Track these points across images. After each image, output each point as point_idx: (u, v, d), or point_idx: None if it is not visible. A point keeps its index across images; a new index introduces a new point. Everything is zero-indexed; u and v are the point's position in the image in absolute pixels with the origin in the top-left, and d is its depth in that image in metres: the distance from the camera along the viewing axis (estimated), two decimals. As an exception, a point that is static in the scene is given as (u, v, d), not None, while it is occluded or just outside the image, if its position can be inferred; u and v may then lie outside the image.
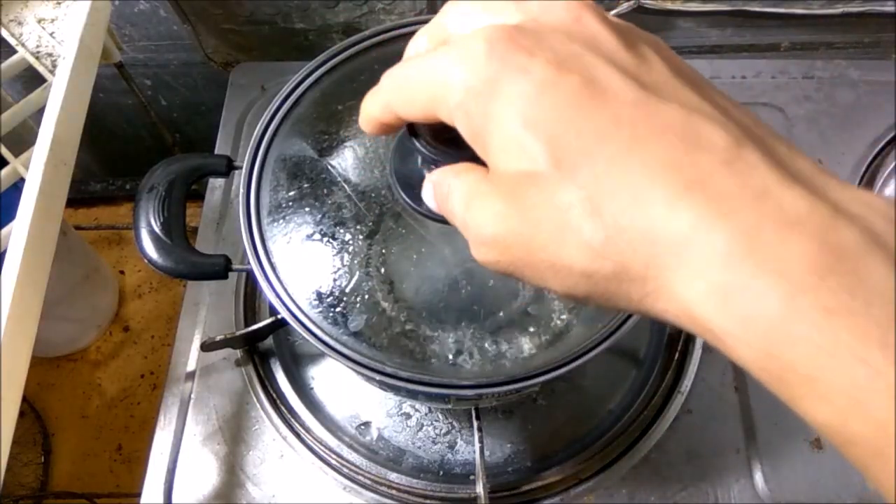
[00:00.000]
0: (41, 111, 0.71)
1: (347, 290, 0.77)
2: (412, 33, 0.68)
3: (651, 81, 0.26)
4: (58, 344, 1.26)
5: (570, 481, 0.71)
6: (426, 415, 0.75)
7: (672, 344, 0.77)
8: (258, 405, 0.75)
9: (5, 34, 0.80)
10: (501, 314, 0.75)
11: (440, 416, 0.74)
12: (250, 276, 0.80)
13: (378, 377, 0.54)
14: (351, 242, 0.79)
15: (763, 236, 0.22)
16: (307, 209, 0.77)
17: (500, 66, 0.26)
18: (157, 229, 0.59)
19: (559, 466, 0.71)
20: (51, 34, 0.80)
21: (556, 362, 0.54)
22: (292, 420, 0.74)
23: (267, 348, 0.78)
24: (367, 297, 0.76)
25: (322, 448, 0.72)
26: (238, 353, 0.77)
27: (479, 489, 0.65)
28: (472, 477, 0.70)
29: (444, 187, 0.32)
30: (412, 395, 0.68)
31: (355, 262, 0.78)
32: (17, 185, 0.70)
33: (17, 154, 0.74)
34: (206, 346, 0.73)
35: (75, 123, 0.72)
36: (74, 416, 1.21)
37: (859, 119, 0.91)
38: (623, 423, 0.73)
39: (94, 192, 1.42)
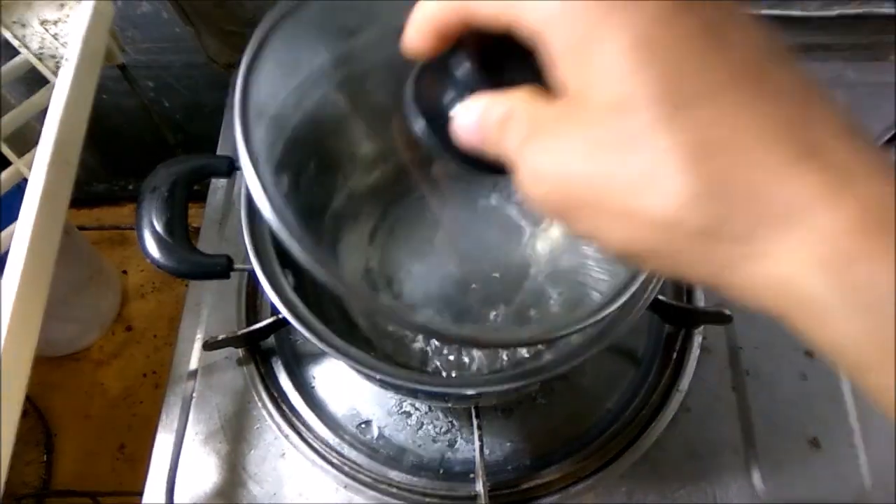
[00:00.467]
0: (44, 112, 0.71)
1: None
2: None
3: (765, 46, 0.25)
4: (61, 343, 1.26)
5: (569, 479, 0.71)
6: (426, 413, 0.75)
7: (670, 343, 0.77)
8: (260, 404, 0.75)
9: (8, 36, 0.81)
10: (502, 312, 0.75)
11: (440, 414, 0.75)
12: (252, 276, 0.81)
13: (378, 376, 0.54)
14: (351, 238, 0.80)
15: (882, 211, 0.22)
16: (308, 207, 0.78)
17: None
18: (159, 229, 0.59)
19: (558, 465, 0.71)
20: (54, 36, 0.80)
21: (555, 362, 0.55)
22: (293, 419, 0.74)
23: (268, 347, 0.78)
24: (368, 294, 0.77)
25: (323, 447, 0.73)
26: (240, 352, 0.77)
27: (479, 487, 0.65)
28: (472, 475, 0.70)
29: (495, 113, 0.28)
30: (412, 394, 0.69)
31: (356, 257, 0.79)
32: (20, 186, 0.70)
33: (20, 155, 0.74)
34: (208, 346, 0.74)
35: (78, 124, 0.72)
36: (77, 416, 1.22)
37: (857, 121, 0.91)
38: (622, 421, 0.73)
39: (97, 192, 1.43)
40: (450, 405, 0.74)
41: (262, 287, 0.57)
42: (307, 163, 0.72)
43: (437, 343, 0.74)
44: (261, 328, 0.74)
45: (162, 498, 0.71)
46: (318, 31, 0.56)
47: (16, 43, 0.80)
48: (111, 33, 0.85)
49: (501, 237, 0.79)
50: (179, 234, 0.59)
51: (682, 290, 0.80)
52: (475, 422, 0.68)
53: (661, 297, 0.72)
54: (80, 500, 1.14)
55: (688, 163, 0.22)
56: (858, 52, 1.02)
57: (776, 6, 0.94)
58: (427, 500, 0.71)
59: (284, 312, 0.56)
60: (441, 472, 0.72)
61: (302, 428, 0.74)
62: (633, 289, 0.59)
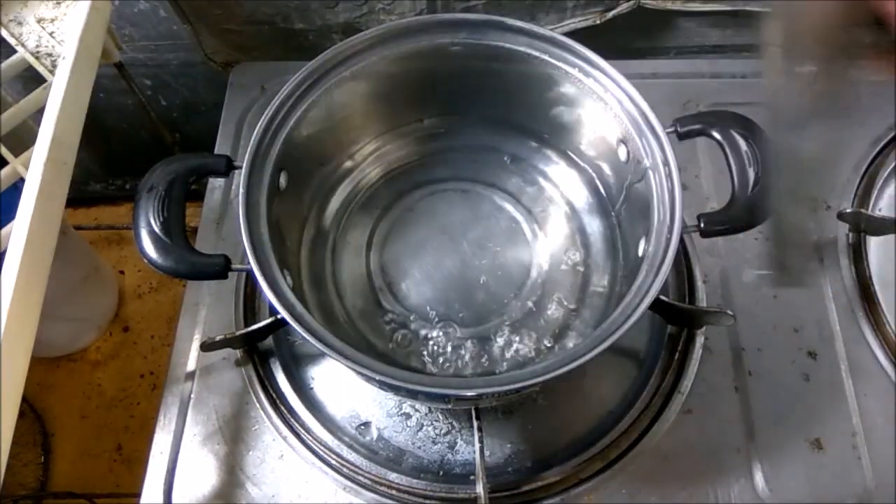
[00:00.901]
0: (41, 111, 0.71)
1: (347, 288, 0.77)
2: (411, 34, 0.68)
3: None
4: (58, 344, 1.26)
5: (570, 481, 0.71)
6: (426, 415, 0.74)
7: (672, 344, 0.77)
8: (258, 405, 0.75)
9: (5, 34, 0.80)
10: (503, 314, 0.75)
11: (440, 416, 0.74)
12: (250, 276, 0.80)
13: (378, 377, 0.54)
14: (350, 242, 0.79)
15: None
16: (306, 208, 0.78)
17: None
18: (156, 229, 0.58)
19: (559, 466, 0.71)
20: (50, 34, 0.80)
21: (556, 363, 0.54)
22: (292, 420, 0.74)
23: (267, 348, 0.78)
24: (367, 295, 0.77)
25: (322, 448, 0.72)
26: (238, 353, 0.77)
27: (479, 489, 0.65)
28: (472, 477, 0.70)
29: None
30: (412, 395, 0.68)
31: (355, 261, 0.78)
32: (17, 185, 0.70)
33: (16, 154, 0.74)
34: (206, 346, 0.73)
35: (75, 123, 0.72)
36: (74, 417, 1.21)
37: (859, 119, 0.91)
38: (623, 423, 0.73)
39: (94, 192, 1.43)
40: (450, 406, 0.73)
41: (260, 287, 0.57)
42: (304, 160, 0.72)
43: (437, 344, 0.74)
44: (259, 329, 0.74)
45: (160, 499, 0.71)
46: None
47: (12, 41, 0.80)
48: (108, 31, 0.84)
49: (502, 239, 0.78)
50: (177, 233, 0.59)
51: (685, 290, 0.80)
52: (475, 423, 0.68)
53: (663, 297, 0.72)
54: (78, 502, 1.14)
55: None
56: (860, 49, 1.02)
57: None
58: (427, 502, 0.70)
59: (283, 313, 0.56)
60: (441, 473, 0.72)
61: (300, 429, 0.73)
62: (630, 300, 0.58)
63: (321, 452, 0.72)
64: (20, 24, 0.81)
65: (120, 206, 1.43)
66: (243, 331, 0.74)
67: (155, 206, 0.59)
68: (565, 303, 0.75)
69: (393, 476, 0.71)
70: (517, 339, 0.74)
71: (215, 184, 0.87)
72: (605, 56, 0.66)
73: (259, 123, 0.64)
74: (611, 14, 0.95)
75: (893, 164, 0.87)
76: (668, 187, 0.61)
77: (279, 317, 0.56)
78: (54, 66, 0.77)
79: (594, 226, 0.79)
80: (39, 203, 0.65)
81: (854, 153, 0.89)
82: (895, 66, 0.40)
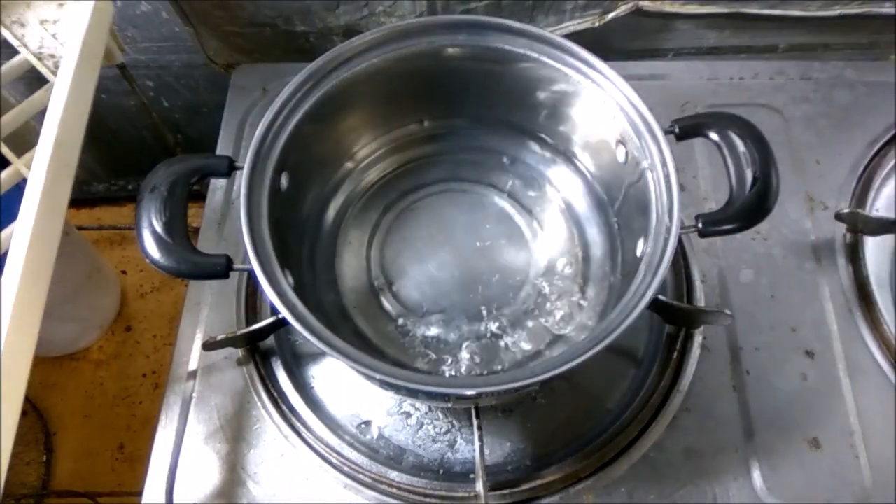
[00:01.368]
0: (43, 112, 0.71)
1: (348, 288, 0.77)
2: (411, 36, 0.68)
3: None
4: (60, 343, 1.26)
5: (569, 480, 0.71)
6: (426, 413, 0.75)
7: (671, 344, 0.77)
8: (259, 404, 0.75)
9: (8, 35, 0.81)
10: (503, 313, 0.75)
11: (440, 414, 0.75)
12: (251, 276, 0.80)
13: (378, 376, 0.54)
14: (351, 242, 0.80)
15: None
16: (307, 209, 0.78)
17: None
18: (158, 229, 0.59)
19: (558, 465, 0.71)
20: (53, 35, 0.80)
21: (555, 362, 0.54)
22: (293, 419, 0.74)
23: (268, 348, 0.78)
24: (368, 295, 0.77)
25: (323, 447, 0.73)
26: (239, 352, 0.77)
27: (479, 487, 0.65)
28: (471, 475, 0.70)
29: None
30: (412, 394, 0.69)
31: (356, 261, 0.79)
32: (20, 186, 0.70)
33: (19, 155, 0.74)
34: (208, 346, 0.74)
35: (78, 124, 0.72)
36: (76, 416, 1.22)
37: (857, 120, 0.91)
38: (622, 421, 0.73)
39: (97, 192, 1.43)
40: (450, 405, 0.74)
41: (261, 287, 0.57)
42: (304, 161, 0.72)
43: (436, 343, 0.74)
44: (260, 328, 0.74)
45: (161, 498, 0.71)
46: None
47: (15, 43, 0.80)
48: (111, 33, 0.85)
49: (502, 239, 0.79)
50: (179, 234, 0.59)
51: (683, 290, 0.80)
52: (475, 422, 0.68)
53: (661, 297, 0.72)
54: (80, 501, 1.14)
55: None
56: (858, 51, 1.03)
57: (777, 6, 0.94)
58: (427, 500, 0.71)
59: (284, 312, 0.56)
60: (441, 472, 0.72)
61: (301, 428, 0.74)
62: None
63: (322, 451, 0.73)
64: (23, 25, 0.81)
65: (122, 207, 1.43)
66: (245, 330, 0.74)
67: (157, 207, 0.59)
68: (564, 302, 0.76)
69: (393, 474, 0.71)
70: (516, 338, 0.74)
71: (217, 184, 0.88)
72: (604, 58, 0.66)
73: (260, 124, 0.64)
74: (609, 16, 0.95)
75: (891, 165, 0.87)
76: (667, 188, 0.61)
77: (280, 316, 0.57)
78: (57, 68, 0.78)
79: (593, 226, 0.79)
80: (42, 204, 0.65)
81: (851, 154, 0.89)
82: None
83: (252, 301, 0.81)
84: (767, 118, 0.91)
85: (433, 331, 0.74)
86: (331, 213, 0.80)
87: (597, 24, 0.96)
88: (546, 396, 0.75)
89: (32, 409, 1.21)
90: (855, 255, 0.82)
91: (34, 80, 0.79)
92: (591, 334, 0.56)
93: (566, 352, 0.55)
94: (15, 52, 0.80)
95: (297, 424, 0.74)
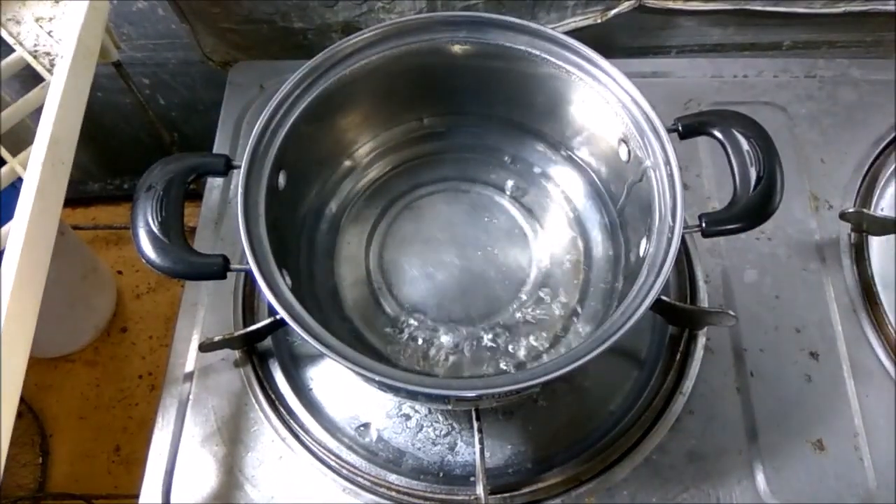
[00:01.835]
0: (39, 110, 0.71)
1: (347, 288, 0.77)
2: (411, 32, 0.68)
3: None
4: (56, 344, 1.26)
5: (570, 483, 0.71)
6: (426, 416, 0.74)
7: (674, 345, 0.77)
8: (257, 406, 0.74)
9: (3, 33, 0.80)
10: (503, 314, 0.75)
11: (440, 417, 0.74)
12: (249, 277, 0.80)
13: (377, 378, 0.53)
14: (350, 242, 0.79)
15: None
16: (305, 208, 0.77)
17: None
18: (155, 229, 0.58)
19: (560, 468, 0.71)
20: (49, 33, 0.79)
21: (557, 363, 0.54)
22: (291, 421, 0.74)
23: (265, 349, 0.78)
24: (366, 295, 0.76)
25: (321, 449, 0.72)
26: (236, 353, 0.77)
27: (480, 491, 0.64)
28: (472, 478, 0.69)
29: None
30: (412, 396, 0.68)
31: (354, 261, 0.78)
32: (15, 185, 0.69)
33: (14, 153, 0.73)
34: (205, 347, 0.73)
35: (73, 123, 0.72)
36: (72, 417, 1.21)
37: (861, 118, 0.91)
38: (624, 424, 0.73)
39: (92, 191, 1.42)
40: (450, 407, 0.73)
41: (259, 287, 0.57)
42: (302, 159, 0.72)
43: (436, 344, 0.73)
44: (258, 329, 0.74)
45: (158, 500, 0.70)
46: None
47: (10, 40, 0.79)
48: (106, 30, 0.84)
49: (503, 239, 0.78)
50: (175, 233, 0.59)
51: (686, 290, 0.80)
52: (475, 424, 0.67)
53: (664, 297, 0.71)
54: (75, 503, 1.14)
55: None
56: (863, 49, 1.02)
57: (781, 2, 0.94)
58: (427, 503, 0.70)
59: (282, 313, 0.55)
60: (441, 475, 0.71)
61: (299, 430, 0.73)
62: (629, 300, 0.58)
63: (320, 454, 0.72)
64: (18, 22, 0.80)
65: (118, 206, 1.42)
66: (242, 331, 0.74)
67: (153, 206, 0.59)
68: (566, 303, 0.75)
69: (393, 477, 0.71)
70: (518, 339, 0.73)
71: (214, 183, 0.87)
72: (606, 55, 0.66)
73: (258, 123, 0.64)
74: (612, 13, 0.95)
75: (895, 164, 0.87)
76: (670, 187, 0.61)
77: (278, 317, 0.56)
78: (52, 66, 0.77)
79: (595, 225, 0.78)
80: (37, 203, 0.64)
81: (856, 152, 0.89)
82: None
83: (249, 302, 0.80)
84: (771, 116, 0.91)
85: (432, 332, 0.74)
86: (329, 212, 0.79)
87: (599, 21, 0.96)
88: (547, 398, 0.74)
89: (28, 411, 1.20)
90: (860, 255, 0.81)
91: (29, 78, 0.78)
92: (592, 335, 0.56)
93: (568, 353, 0.55)
94: (11, 50, 0.79)
95: (295, 427, 0.73)
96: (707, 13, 0.96)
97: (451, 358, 0.73)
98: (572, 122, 0.74)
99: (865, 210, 0.82)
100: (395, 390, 0.66)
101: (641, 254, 0.65)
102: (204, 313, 0.79)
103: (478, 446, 0.66)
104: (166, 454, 0.72)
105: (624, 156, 0.68)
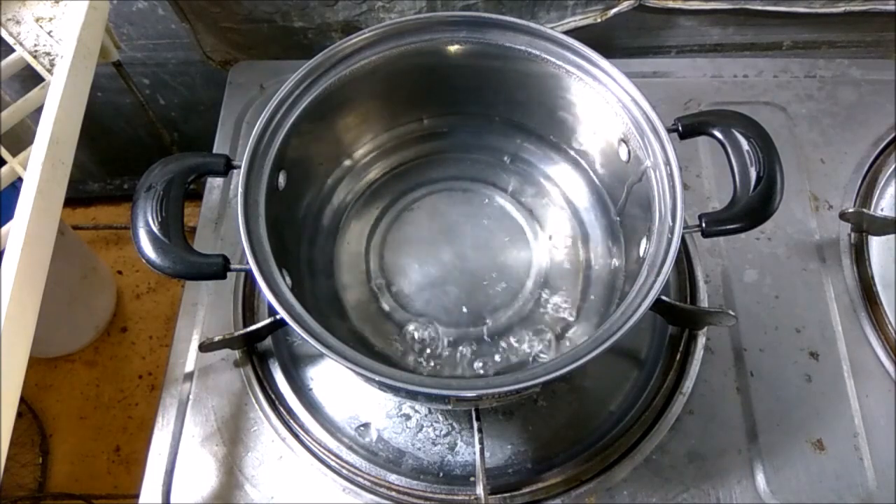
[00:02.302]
0: (39, 110, 0.70)
1: (347, 288, 0.77)
2: (411, 32, 0.68)
3: None
4: (56, 344, 1.26)
5: (571, 483, 0.70)
6: (426, 416, 0.74)
7: (674, 345, 0.77)
8: (257, 406, 0.74)
9: (3, 33, 0.80)
10: (503, 314, 0.75)
11: (440, 417, 0.74)
12: (249, 276, 0.80)
13: (377, 378, 0.53)
14: (350, 241, 0.79)
15: None
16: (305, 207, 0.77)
17: None
18: (155, 229, 0.58)
19: (560, 468, 0.71)
20: (49, 33, 0.79)
21: (557, 363, 0.54)
22: (291, 421, 0.74)
23: (265, 349, 0.78)
24: (366, 295, 0.76)
25: (321, 449, 0.72)
26: (236, 353, 0.77)
27: (480, 491, 0.64)
28: (472, 479, 0.69)
29: None
30: (412, 396, 0.68)
31: (354, 261, 0.78)
32: (15, 185, 0.69)
33: (14, 153, 0.73)
34: (205, 347, 0.73)
35: (73, 123, 0.72)
36: (72, 417, 1.21)
37: (861, 118, 0.91)
38: (624, 424, 0.73)
39: (92, 191, 1.42)
40: (450, 407, 0.73)
41: (259, 287, 0.57)
42: (303, 159, 0.72)
43: (436, 344, 0.73)
44: (258, 329, 0.74)
45: (158, 500, 0.70)
46: None
47: (10, 40, 0.79)
48: (106, 30, 0.84)
49: (503, 239, 0.78)
50: (175, 233, 0.59)
51: (686, 290, 0.80)
52: (476, 424, 0.67)
53: (664, 297, 0.71)
54: (75, 503, 1.14)
55: None
56: (863, 49, 1.02)
57: (781, 2, 0.94)
58: (427, 503, 0.70)
59: (282, 313, 0.55)
60: (441, 475, 0.71)
61: (299, 430, 0.73)
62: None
63: (320, 454, 0.72)
64: (18, 22, 0.80)
65: (118, 206, 1.42)
66: (242, 331, 0.74)
67: (153, 206, 0.59)
68: (566, 303, 0.75)
69: (393, 477, 0.71)
70: (518, 339, 0.73)
71: (214, 183, 0.87)
72: (606, 55, 0.66)
73: (258, 122, 0.64)
74: (612, 12, 0.95)
75: (895, 164, 0.87)
76: (670, 187, 0.61)
77: (278, 317, 0.56)
78: (52, 66, 0.77)
79: (595, 225, 0.78)
80: (37, 203, 0.64)
81: (856, 152, 0.89)
82: None
83: (249, 302, 0.80)
84: (772, 116, 0.91)
85: (432, 332, 0.74)
86: (329, 212, 0.79)
87: (599, 21, 0.96)
88: (547, 398, 0.74)
89: (28, 411, 1.20)
90: (860, 255, 0.81)
91: (29, 78, 0.78)
92: (593, 335, 0.56)
93: (568, 353, 0.55)
94: (11, 50, 0.79)
95: (295, 427, 0.73)
96: (707, 13, 0.96)
97: (451, 357, 0.73)
98: (572, 122, 0.74)
99: (865, 210, 0.82)
100: (395, 390, 0.66)
101: (641, 254, 0.65)
102: (204, 313, 0.79)
103: (478, 446, 0.66)
104: (166, 454, 0.72)
105: (624, 156, 0.68)
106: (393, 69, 0.71)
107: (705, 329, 0.77)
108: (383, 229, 0.79)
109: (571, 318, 0.75)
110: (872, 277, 0.80)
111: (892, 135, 0.89)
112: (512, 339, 0.73)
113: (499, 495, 0.69)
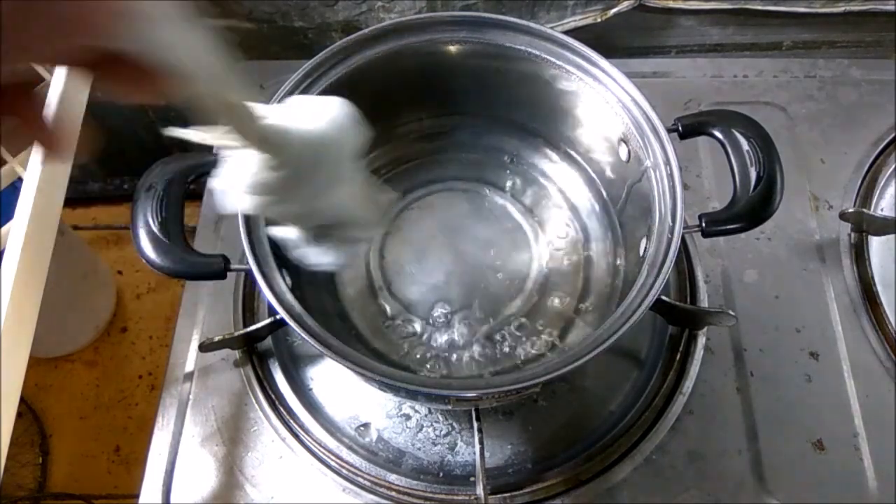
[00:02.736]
0: (39, 110, 0.70)
1: (347, 288, 0.77)
2: (411, 32, 0.68)
3: None
4: (56, 344, 1.25)
5: (571, 483, 0.70)
6: (426, 416, 0.74)
7: (674, 345, 0.77)
8: (257, 406, 0.74)
9: (3, 33, 0.80)
10: (503, 314, 0.75)
11: (440, 417, 0.74)
12: (249, 276, 0.80)
13: (378, 378, 0.53)
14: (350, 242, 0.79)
15: None
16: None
17: None
18: (155, 229, 0.58)
19: (560, 468, 0.71)
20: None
21: (557, 363, 0.54)
22: (291, 421, 0.74)
23: (265, 349, 0.78)
24: (367, 295, 0.76)
25: (321, 449, 0.72)
26: (237, 353, 0.76)
27: (480, 491, 0.64)
28: (472, 478, 0.69)
29: None
30: (412, 395, 0.68)
31: (355, 261, 0.78)
32: (15, 185, 0.69)
33: (14, 154, 0.73)
34: (205, 347, 0.73)
35: (74, 122, 0.72)
36: (72, 417, 1.21)
37: (861, 118, 0.91)
38: (624, 424, 0.73)
39: (92, 191, 1.42)
40: (450, 407, 0.73)
41: (259, 287, 0.57)
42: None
43: (436, 344, 0.73)
44: (258, 329, 0.73)
45: (158, 500, 0.70)
46: None
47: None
48: (107, 30, 0.84)
49: (503, 238, 0.78)
50: (175, 233, 0.59)
51: (686, 290, 0.80)
52: (476, 424, 0.67)
53: (664, 297, 0.71)
54: (75, 503, 1.14)
55: None
56: (863, 49, 1.02)
57: (781, 2, 0.94)
58: (427, 503, 0.70)
59: (282, 313, 0.55)
60: (441, 475, 0.71)
61: (299, 430, 0.73)
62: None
63: (320, 454, 0.72)
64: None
65: (118, 206, 1.42)
66: (242, 331, 0.74)
67: (153, 206, 0.59)
68: (566, 303, 0.75)
69: (392, 477, 0.71)
70: (518, 339, 0.73)
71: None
72: (606, 55, 0.66)
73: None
74: (611, 12, 0.95)
75: (895, 164, 0.87)
76: (670, 187, 0.61)
77: (278, 317, 0.56)
78: (52, 65, 0.77)
79: (595, 225, 0.78)
80: (37, 203, 0.64)
81: (856, 152, 0.89)
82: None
83: (249, 302, 0.80)
84: (772, 116, 0.91)
85: (433, 331, 0.74)
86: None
87: (599, 20, 0.96)
88: (547, 398, 0.74)
89: (28, 411, 1.20)
90: (860, 255, 0.81)
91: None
92: (592, 335, 0.56)
93: (568, 353, 0.55)
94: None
95: (295, 427, 0.73)
96: (707, 13, 0.96)
97: (452, 357, 0.73)
98: (572, 121, 0.74)
99: (865, 210, 0.82)
100: (396, 390, 0.66)
101: (641, 254, 0.65)
102: (204, 313, 0.79)
103: (478, 446, 0.66)
104: (166, 454, 0.72)
105: (624, 156, 0.68)
106: (393, 69, 0.71)
107: (705, 329, 0.77)
108: (383, 229, 0.79)
109: (571, 318, 0.75)
110: (872, 277, 0.80)
111: (892, 135, 0.89)
112: (512, 339, 0.73)
113: (499, 495, 0.69)
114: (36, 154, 0.66)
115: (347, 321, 0.74)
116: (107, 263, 1.34)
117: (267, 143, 0.44)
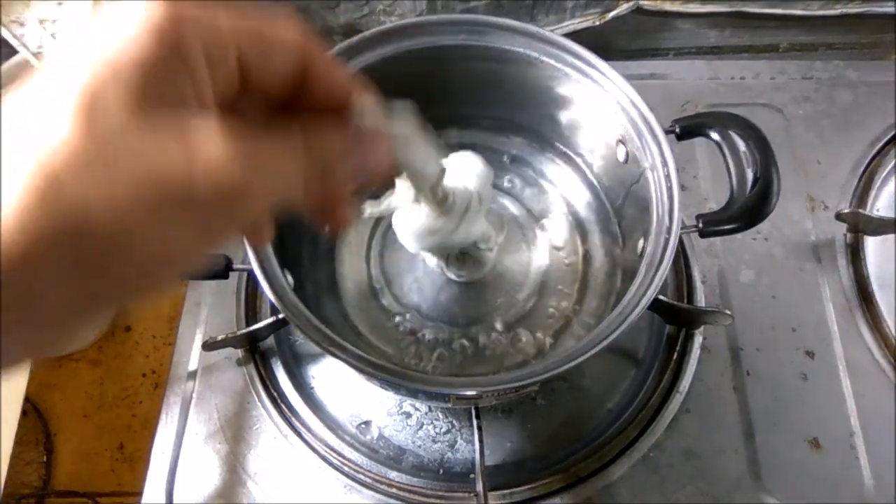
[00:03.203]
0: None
1: (348, 288, 0.77)
2: (411, 34, 0.68)
3: None
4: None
5: (569, 480, 0.71)
6: (426, 414, 0.75)
7: (671, 344, 0.77)
8: (259, 404, 0.75)
9: (6, 35, 0.80)
10: (502, 313, 0.75)
11: (440, 415, 0.75)
12: (251, 276, 0.80)
13: (379, 376, 0.54)
14: (351, 241, 0.79)
15: None
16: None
17: None
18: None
19: (558, 465, 0.71)
20: (52, 35, 0.80)
21: (556, 362, 0.54)
22: (293, 419, 0.74)
23: (268, 348, 0.78)
24: (367, 295, 0.77)
25: (323, 447, 0.73)
26: (239, 352, 0.77)
27: (479, 488, 0.65)
28: (471, 476, 0.70)
29: None
30: (413, 394, 0.68)
31: (356, 260, 0.79)
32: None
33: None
34: (208, 346, 0.74)
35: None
36: (76, 416, 1.21)
37: (858, 120, 0.91)
38: (622, 422, 0.73)
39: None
40: (450, 405, 0.74)
41: (261, 287, 0.57)
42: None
43: (436, 343, 0.74)
44: (260, 328, 0.74)
45: (161, 498, 0.71)
46: None
47: (14, 42, 0.80)
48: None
49: (502, 238, 0.78)
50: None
51: (683, 290, 0.80)
52: (475, 422, 0.68)
53: (661, 297, 0.72)
54: (80, 501, 1.14)
55: None
56: (860, 51, 1.02)
57: (778, 5, 0.94)
58: (427, 500, 0.70)
59: (284, 312, 0.56)
60: (441, 472, 0.72)
61: (301, 428, 0.74)
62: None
63: (322, 451, 0.72)
64: (21, 24, 0.81)
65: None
66: (244, 330, 0.74)
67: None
68: (564, 302, 0.76)
69: (393, 475, 0.71)
70: (517, 338, 0.74)
71: (216, 184, 0.88)
72: (604, 57, 0.66)
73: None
74: (610, 15, 0.95)
75: (892, 165, 0.88)
76: (667, 188, 0.61)
77: (280, 316, 0.57)
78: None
79: (593, 225, 0.79)
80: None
81: (852, 153, 0.89)
82: None
83: (252, 301, 0.81)
84: (768, 118, 0.91)
85: (432, 331, 0.74)
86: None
87: (597, 23, 0.96)
88: (546, 397, 0.75)
89: (33, 410, 1.21)
90: (856, 255, 0.82)
91: (33, 80, 0.79)
92: (591, 334, 0.56)
93: (566, 352, 0.55)
94: (14, 52, 0.80)
95: (297, 425, 0.74)
96: (704, 15, 0.96)
97: (452, 355, 0.73)
98: (570, 123, 0.75)
99: (861, 211, 0.83)
100: (397, 388, 0.67)
101: (639, 253, 0.66)
102: (207, 313, 0.80)
103: (477, 444, 0.67)
104: (170, 452, 0.73)
105: (622, 157, 0.69)
106: (393, 71, 0.71)
107: (702, 328, 0.77)
108: (384, 229, 0.80)
109: (570, 318, 0.75)
110: (868, 277, 0.80)
111: (888, 136, 0.89)
112: (511, 338, 0.74)
113: (498, 492, 0.70)
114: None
115: (348, 320, 0.75)
116: (110, 263, 1.34)
117: (442, 200, 0.58)
